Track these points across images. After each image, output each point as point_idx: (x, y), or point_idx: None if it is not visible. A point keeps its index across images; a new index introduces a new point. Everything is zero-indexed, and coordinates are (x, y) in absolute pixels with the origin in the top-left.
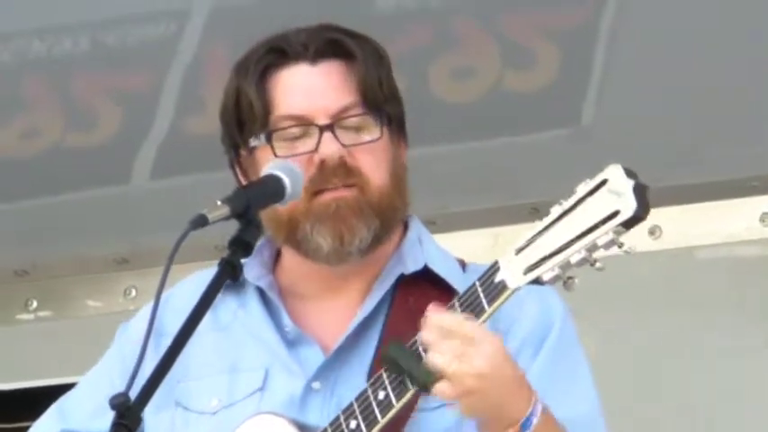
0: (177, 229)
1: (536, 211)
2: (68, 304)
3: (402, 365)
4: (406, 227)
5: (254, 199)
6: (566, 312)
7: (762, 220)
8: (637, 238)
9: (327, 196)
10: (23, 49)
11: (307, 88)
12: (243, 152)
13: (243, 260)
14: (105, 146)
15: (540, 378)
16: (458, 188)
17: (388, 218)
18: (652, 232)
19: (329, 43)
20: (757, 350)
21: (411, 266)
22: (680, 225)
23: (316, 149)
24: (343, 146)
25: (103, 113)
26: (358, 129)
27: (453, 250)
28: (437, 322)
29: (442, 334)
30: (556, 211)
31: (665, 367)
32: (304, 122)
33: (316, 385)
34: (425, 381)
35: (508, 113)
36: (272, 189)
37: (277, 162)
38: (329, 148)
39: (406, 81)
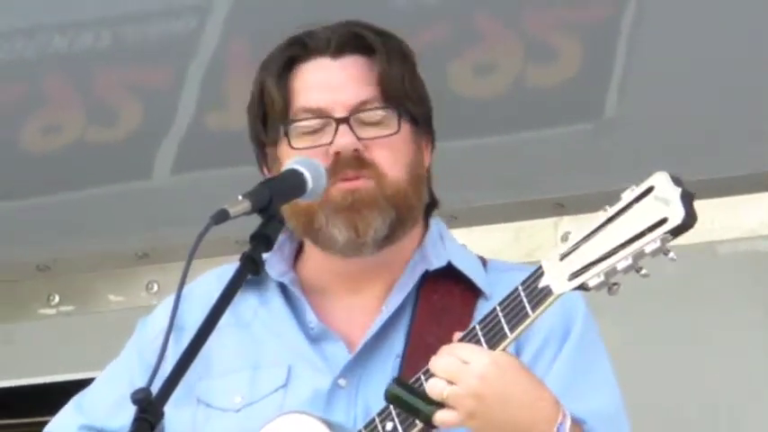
0: (199, 223)
1: (561, 207)
2: (90, 299)
3: (405, 401)
4: (426, 225)
5: (276, 194)
6: (587, 309)
7: None
8: None
9: (342, 187)
10: (45, 45)
11: (326, 82)
12: (267, 148)
13: (264, 255)
14: (126, 141)
15: (564, 373)
16: (480, 183)
17: (403, 212)
18: None
19: (351, 37)
20: None
21: (435, 263)
22: (701, 220)
23: (331, 142)
24: (359, 139)
25: (125, 109)
26: (376, 123)
27: (475, 245)
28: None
29: (438, 360)
30: (600, 217)
31: (687, 363)
32: (321, 115)
33: (342, 382)
34: (427, 412)
35: (530, 108)
36: (293, 184)
37: (299, 158)
38: (344, 140)
39: (428, 77)
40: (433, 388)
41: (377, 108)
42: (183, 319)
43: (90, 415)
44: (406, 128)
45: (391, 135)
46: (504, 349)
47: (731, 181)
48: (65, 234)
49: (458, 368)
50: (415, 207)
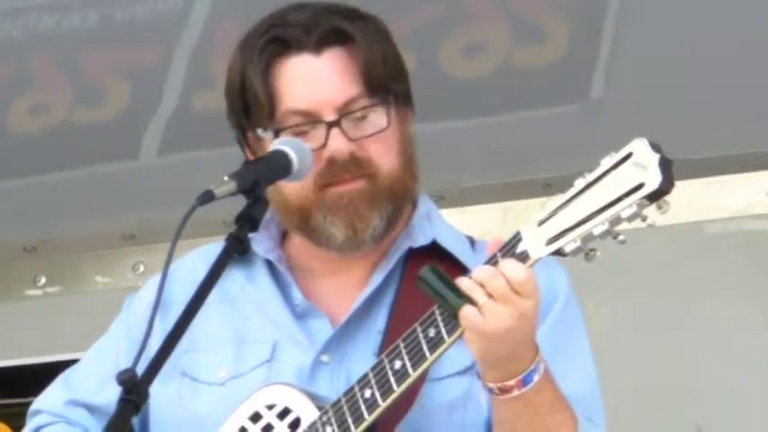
0: (185, 204)
1: (548, 187)
2: (77, 280)
3: (436, 287)
4: (414, 203)
5: (262, 174)
6: (570, 289)
7: None
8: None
9: (340, 188)
10: (32, 25)
11: (311, 80)
12: (250, 134)
13: (250, 235)
14: (114, 121)
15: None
16: (468, 163)
17: (400, 201)
18: (660, 206)
19: (331, 31)
20: (767, 325)
21: (420, 241)
22: (689, 199)
23: (324, 145)
24: (351, 140)
25: (112, 89)
26: (365, 118)
27: (463, 225)
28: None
29: (492, 272)
30: (579, 183)
31: (674, 342)
32: (311, 118)
33: (324, 358)
34: (455, 304)
35: (518, 89)
36: (279, 165)
37: (284, 138)
38: (337, 144)
39: (417, 57)
40: (472, 290)
41: (365, 107)
42: (169, 296)
43: (77, 390)
44: (393, 113)
45: (383, 131)
46: None
47: (719, 161)
48: (51, 215)
49: (509, 292)
50: (411, 189)
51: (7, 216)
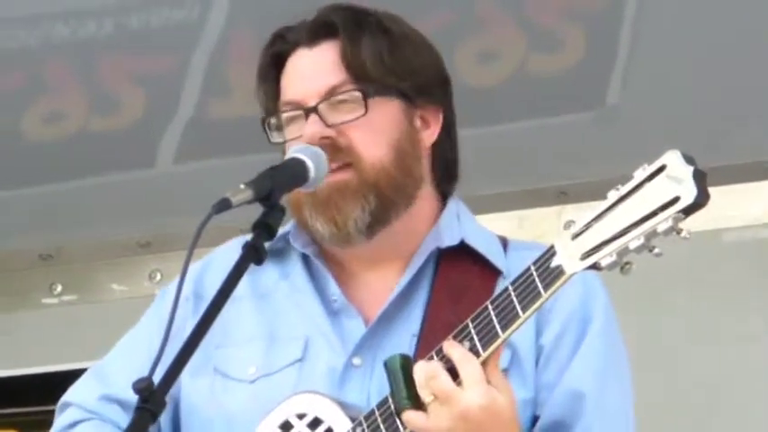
0: (201, 212)
1: (564, 195)
2: (93, 288)
3: (394, 380)
4: (445, 204)
5: (278, 182)
6: (606, 297)
7: None
8: None
9: (324, 182)
10: (48, 33)
11: (303, 72)
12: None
13: (287, 230)
14: (129, 130)
15: (582, 372)
16: (483, 171)
17: (387, 194)
18: None
19: (322, 23)
20: None
21: (447, 241)
22: (706, 208)
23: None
24: (329, 126)
25: (128, 97)
26: (347, 106)
27: None
28: (447, 350)
29: (440, 368)
30: (613, 195)
31: (691, 351)
32: (296, 107)
33: (356, 361)
34: (401, 404)
35: (533, 96)
36: (295, 172)
37: (300, 146)
38: (311, 129)
39: None
40: (421, 388)
41: (344, 91)
42: (205, 288)
43: (111, 385)
44: (385, 105)
45: (359, 117)
46: (517, 328)
47: (736, 169)
48: (67, 223)
49: (451, 391)
50: (402, 185)
51: (23, 224)
